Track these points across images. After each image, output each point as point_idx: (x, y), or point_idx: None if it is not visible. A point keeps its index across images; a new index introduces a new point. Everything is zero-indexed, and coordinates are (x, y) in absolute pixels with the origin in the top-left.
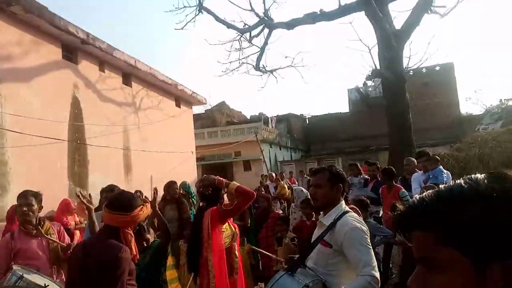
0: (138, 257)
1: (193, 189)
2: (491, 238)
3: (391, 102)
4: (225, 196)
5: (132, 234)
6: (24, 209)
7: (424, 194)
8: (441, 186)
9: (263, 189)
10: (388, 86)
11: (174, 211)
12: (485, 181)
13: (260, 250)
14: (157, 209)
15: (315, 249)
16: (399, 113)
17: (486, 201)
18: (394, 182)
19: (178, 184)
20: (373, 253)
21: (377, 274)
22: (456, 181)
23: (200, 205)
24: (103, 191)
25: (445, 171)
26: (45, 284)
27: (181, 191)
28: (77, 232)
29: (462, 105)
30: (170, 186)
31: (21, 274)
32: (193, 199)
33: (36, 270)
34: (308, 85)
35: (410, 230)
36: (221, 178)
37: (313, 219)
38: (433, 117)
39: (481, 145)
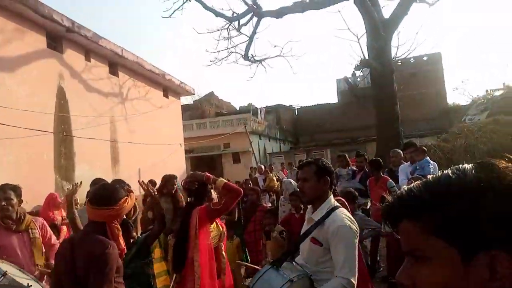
0: (125, 251)
1: (179, 183)
2: (479, 230)
3: (379, 93)
4: (212, 191)
5: (119, 228)
6: (3, 203)
7: (412, 185)
8: (429, 176)
9: (250, 182)
10: (376, 76)
11: (169, 204)
12: (473, 171)
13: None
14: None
15: (305, 247)
16: (387, 103)
17: (474, 193)
18: (381, 173)
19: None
20: (356, 255)
21: (354, 279)
22: (444, 171)
23: (188, 200)
24: (91, 185)
25: (431, 162)
26: (28, 284)
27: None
28: (64, 228)
29: (449, 96)
30: (169, 180)
31: (4, 271)
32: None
33: (20, 268)
34: (298, 76)
35: (398, 221)
36: (209, 174)
37: (302, 211)
38: (421, 108)
39: (467, 136)
